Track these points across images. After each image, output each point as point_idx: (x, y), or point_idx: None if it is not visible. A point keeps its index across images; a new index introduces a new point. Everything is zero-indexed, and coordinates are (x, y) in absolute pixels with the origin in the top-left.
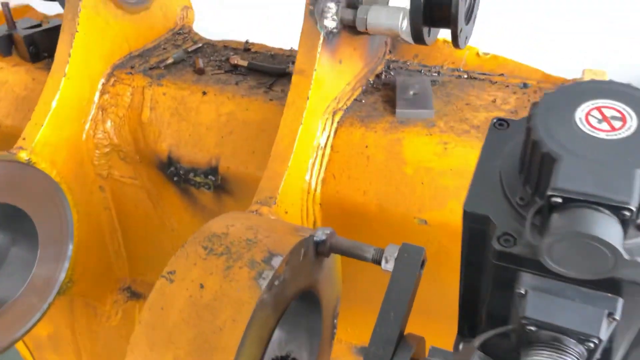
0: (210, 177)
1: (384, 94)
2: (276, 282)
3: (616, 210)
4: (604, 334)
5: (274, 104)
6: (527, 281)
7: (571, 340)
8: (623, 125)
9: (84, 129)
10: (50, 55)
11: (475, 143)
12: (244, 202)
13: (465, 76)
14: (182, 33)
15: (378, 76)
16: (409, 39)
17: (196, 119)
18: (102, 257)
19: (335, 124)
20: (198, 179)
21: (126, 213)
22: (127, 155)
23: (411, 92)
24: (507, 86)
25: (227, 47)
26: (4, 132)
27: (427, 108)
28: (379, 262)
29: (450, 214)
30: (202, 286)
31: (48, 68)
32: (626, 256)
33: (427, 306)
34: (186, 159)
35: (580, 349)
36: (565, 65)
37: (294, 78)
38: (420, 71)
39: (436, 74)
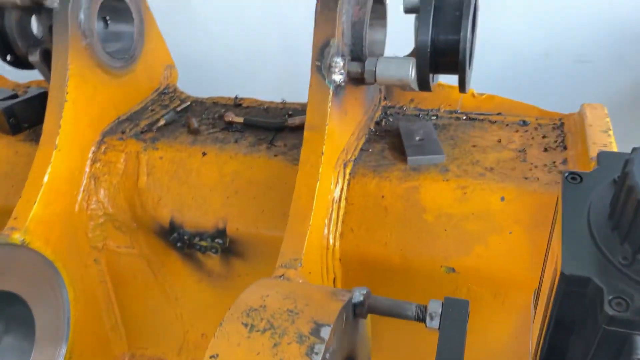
0: (217, 240)
1: (389, 142)
2: (327, 355)
3: None
4: None
5: (279, 159)
6: None
7: None
8: None
9: (77, 201)
10: (31, 126)
11: (493, 185)
12: (255, 264)
13: (464, 117)
14: (167, 92)
15: (378, 123)
16: (416, 87)
17: (198, 181)
18: (100, 334)
19: (347, 176)
20: (204, 243)
21: (124, 285)
22: (123, 224)
23: (417, 138)
24: (507, 125)
25: (217, 103)
26: None
27: (438, 153)
28: (422, 320)
29: (477, 259)
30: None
31: (31, 140)
32: None
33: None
34: (190, 223)
35: None
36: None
37: (306, 134)
38: (419, 115)
39: (435, 117)
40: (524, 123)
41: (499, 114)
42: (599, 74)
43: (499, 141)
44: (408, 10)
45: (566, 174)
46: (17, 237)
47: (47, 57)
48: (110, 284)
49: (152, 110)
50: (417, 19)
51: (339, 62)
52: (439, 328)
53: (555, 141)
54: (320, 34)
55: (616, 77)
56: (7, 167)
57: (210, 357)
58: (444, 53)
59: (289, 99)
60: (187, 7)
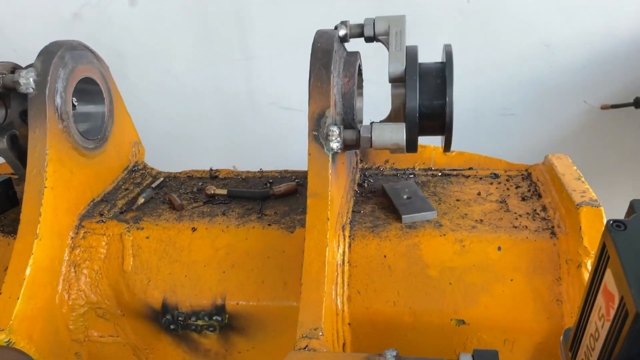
0: (215, 317)
1: (378, 202)
2: None
3: None
4: None
5: (274, 228)
6: None
7: None
8: None
9: (57, 292)
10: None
11: (487, 236)
12: (257, 338)
13: (440, 174)
14: (137, 169)
15: (360, 185)
16: (404, 150)
17: (190, 258)
18: None
19: (347, 239)
20: (200, 322)
21: None
22: (107, 311)
23: (405, 197)
24: (481, 178)
25: (192, 177)
26: None
27: (430, 210)
28: None
29: (485, 309)
30: None
31: None
32: None
33: None
34: (185, 302)
35: None
36: None
37: (309, 201)
38: (397, 175)
39: (412, 176)
40: (495, 175)
41: (470, 168)
42: (521, 125)
43: (479, 194)
44: (393, 80)
45: (611, 222)
46: (2, 338)
47: (15, 142)
48: None
49: (126, 189)
50: (394, 87)
51: (335, 130)
52: None
53: (529, 190)
54: (316, 105)
55: (536, 127)
56: None
57: None
58: (430, 117)
59: (239, 164)
60: (125, 82)
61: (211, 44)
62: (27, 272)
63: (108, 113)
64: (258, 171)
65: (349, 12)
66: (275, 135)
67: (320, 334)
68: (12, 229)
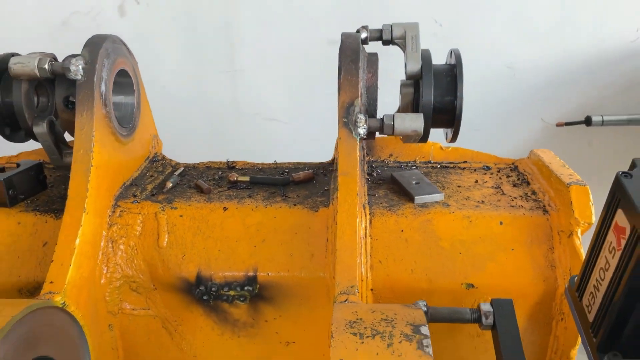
0: (247, 287)
1: (389, 187)
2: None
3: None
4: None
5: (299, 208)
6: None
7: None
8: None
9: (97, 265)
10: (27, 197)
11: (490, 213)
12: (284, 307)
13: (438, 166)
14: (157, 160)
15: (370, 174)
16: (419, 137)
17: (222, 234)
18: None
19: (368, 216)
20: (232, 293)
21: (135, 350)
22: (140, 285)
23: (414, 182)
24: (475, 170)
25: (210, 167)
26: None
27: (437, 192)
28: (478, 321)
29: (490, 276)
30: None
31: (32, 210)
32: None
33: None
34: (219, 274)
35: None
36: None
37: (340, 179)
38: (400, 167)
39: (414, 167)
40: (487, 168)
41: (464, 162)
42: (486, 140)
43: (476, 182)
44: (410, 77)
45: (620, 173)
46: (58, 299)
47: (52, 128)
48: (120, 350)
49: (151, 176)
50: (404, 87)
51: (362, 118)
52: (493, 325)
53: (518, 179)
54: (346, 96)
55: (499, 142)
56: (10, 239)
57: None
58: (441, 110)
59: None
60: None
61: (199, 55)
62: (77, 242)
63: (137, 104)
64: (272, 163)
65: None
66: (259, 145)
67: (356, 290)
68: (47, 209)
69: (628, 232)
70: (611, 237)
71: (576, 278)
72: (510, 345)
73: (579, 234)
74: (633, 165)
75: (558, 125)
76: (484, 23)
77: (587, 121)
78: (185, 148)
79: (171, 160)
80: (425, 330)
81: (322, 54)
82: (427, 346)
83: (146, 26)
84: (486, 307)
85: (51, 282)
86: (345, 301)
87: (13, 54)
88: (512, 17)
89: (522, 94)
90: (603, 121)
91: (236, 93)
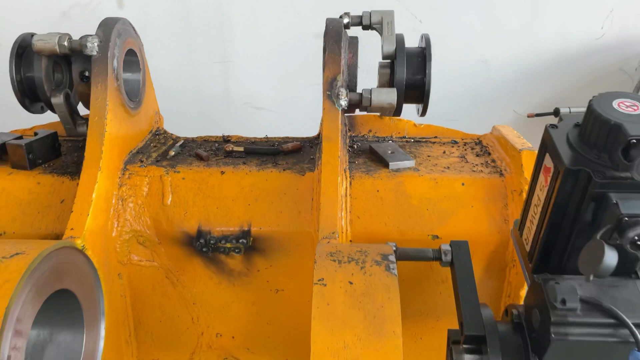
0: (241, 240)
1: (367, 157)
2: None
3: None
4: None
5: (288, 172)
6: (616, 196)
7: None
8: (637, 108)
9: (109, 219)
10: (44, 162)
11: (454, 176)
12: (274, 258)
13: (412, 140)
14: (159, 133)
15: (351, 147)
16: (393, 110)
17: (220, 194)
18: (116, 346)
19: (349, 178)
20: (229, 245)
21: (142, 297)
22: (147, 239)
23: (389, 152)
24: (444, 143)
25: (207, 140)
26: (11, 237)
27: (409, 159)
28: (439, 259)
29: (453, 227)
30: (351, 283)
31: (47, 172)
32: None
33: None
34: (217, 228)
35: None
36: None
37: (324, 144)
38: (378, 141)
39: (391, 141)
40: (455, 142)
41: (435, 137)
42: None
43: (444, 152)
44: (386, 57)
45: (549, 125)
46: (79, 242)
47: (67, 99)
48: (128, 297)
49: (155, 146)
50: (381, 67)
51: (343, 91)
52: (451, 262)
53: (481, 150)
54: (330, 71)
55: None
56: (30, 197)
57: (319, 280)
58: (413, 86)
59: None
60: None
61: (193, 47)
62: (93, 196)
63: (142, 81)
64: (264, 137)
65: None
66: (247, 132)
67: (337, 236)
68: (63, 171)
69: (552, 170)
70: (542, 177)
71: (518, 220)
72: (464, 277)
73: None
74: (560, 120)
75: (529, 116)
76: (460, 20)
77: (556, 112)
78: (178, 133)
79: (172, 134)
80: (392, 258)
81: (309, 47)
82: (393, 269)
83: (143, 18)
84: (446, 247)
85: (72, 229)
86: (327, 243)
87: (32, 34)
88: (486, 15)
89: (496, 87)
90: (570, 112)
91: (227, 83)
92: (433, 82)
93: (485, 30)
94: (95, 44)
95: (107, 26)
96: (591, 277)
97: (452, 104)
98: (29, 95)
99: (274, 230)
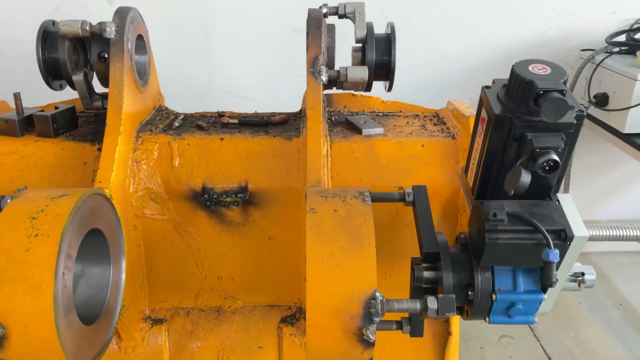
0: (240, 195)
1: (344, 127)
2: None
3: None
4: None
5: (277, 138)
6: (531, 135)
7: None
8: (546, 70)
9: (127, 177)
10: (66, 131)
11: (416, 140)
12: (267, 210)
13: (381, 114)
14: (162, 110)
15: (329, 119)
16: (365, 85)
17: (220, 157)
18: (132, 291)
19: (329, 142)
20: (229, 199)
21: (153, 246)
22: (158, 196)
23: (362, 122)
24: (407, 116)
25: (205, 115)
26: None
27: (379, 127)
28: (403, 199)
29: (415, 181)
30: (335, 210)
31: (70, 140)
32: (571, 103)
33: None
34: (219, 185)
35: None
36: None
37: (309, 112)
38: (352, 114)
39: (363, 115)
40: (417, 115)
41: (400, 111)
42: None
43: (407, 123)
44: (358, 41)
45: (484, 86)
46: (107, 192)
47: (86, 77)
48: (142, 247)
49: (159, 119)
50: (354, 51)
51: (324, 68)
52: (413, 202)
53: (438, 121)
54: (312, 52)
55: None
56: (56, 160)
57: (310, 209)
58: (381, 65)
59: None
60: None
61: (178, 39)
62: (115, 156)
63: (148, 63)
64: (254, 112)
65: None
66: None
67: (320, 184)
68: (83, 139)
69: (486, 119)
70: (479, 127)
71: (464, 167)
72: (423, 212)
73: None
74: (493, 82)
75: None
76: (423, 17)
77: None
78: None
79: (173, 110)
80: (367, 193)
81: (287, 40)
82: (367, 200)
83: None
84: (409, 190)
85: (100, 182)
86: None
87: (54, 21)
88: (445, 14)
89: (454, 77)
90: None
91: (211, 73)
92: (399, 73)
93: (445, 27)
94: (113, 29)
95: (122, 14)
96: (511, 192)
97: (415, 93)
98: (52, 73)
99: (267, 186)
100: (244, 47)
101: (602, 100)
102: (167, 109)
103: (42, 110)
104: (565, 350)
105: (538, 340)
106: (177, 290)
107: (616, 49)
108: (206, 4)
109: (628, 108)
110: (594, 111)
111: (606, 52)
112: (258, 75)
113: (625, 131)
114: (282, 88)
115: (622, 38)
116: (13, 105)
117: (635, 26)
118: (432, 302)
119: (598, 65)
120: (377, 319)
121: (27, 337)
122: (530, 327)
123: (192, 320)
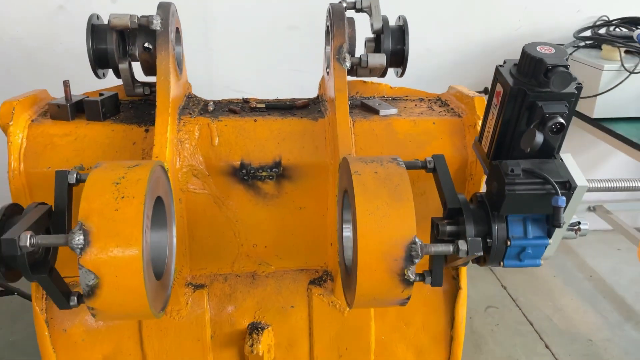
0: (274, 169)
1: (361, 109)
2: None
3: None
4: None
5: (304, 119)
6: (541, 103)
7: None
8: (551, 50)
9: (174, 154)
10: (112, 115)
11: (427, 118)
12: (299, 183)
13: (390, 99)
14: (192, 97)
15: None
16: (383, 69)
17: (255, 136)
18: (177, 259)
19: (352, 121)
20: (264, 173)
21: (195, 218)
22: (199, 172)
23: (378, 104)
24: (414, 100)
25: (232, 102)
26: None
27: (394, 109)
28: (425, 167)
29: (428, 153)
30: (376, 172)
31: (117, 123)
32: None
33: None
34: (256, 161)
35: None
36: None
37: (337, 94)
38: (366, 99)
39: (376, 99)
40: (422, 99)
41: (407, 96)
42: None
43: (415, 105)
44: (375, 32)
45: (498, 65)
46: (164, 164)
47: (130, 66)
48: (185, 218)
49: (193, 105)
50: (368, 42)
51: (347, 55)
52: (434, 168)
53: (442, 103)
54: (337, 41)
55: None
56: (107, 140)
57: (354, 172)
58: (395, 54)
59: None
60: None
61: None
62: (168, 134)
63: (182, 54)
64: (275, 99)
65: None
66: None
67: (352, 155)
68: (130, 121)
69: (501, 93)
70: (494, 100)
71: (477, 137)
72: (444, 176)
73: (479, 125)
74: (504, 62)
75: None
76: (409, 15)
77: (485, 91)
78: None
79: (201, 97)
80: (400, 159)
81: (283, 37)
82: (401, 164)
83: (133, 11)
84: (429, 159)
85: (156, 157)
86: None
87: (97, 15)
88: (428, 12)
89: (436, 70)
90: None
91: (210, 69)
92: (389, 73)
93: (428, 24)
94: (159, 21)
95: (165, 8)
96: (527, 150)
97: (404, 84)
98: (99, 62)
99: (298, 161)
100: (242, 44)
101: None
102: (195, 96)
103: (88, 97)
104: (544, 316)
105: (520, 309)
106: (215, 258)
107: (582, 44)
108: (205, 3)
109: (596, 95)
110: None
111: (574, 46)
112: (255, 71)
113: (594, 116)
114: (278, 82)
115: (587, 33)
116: (52, 94)
117: (598, 23)
118: (462, 245)
119: (567, 58)
120: (416, 260)
121: (118, 286)
122: (512, 298)
123: (230, 285)
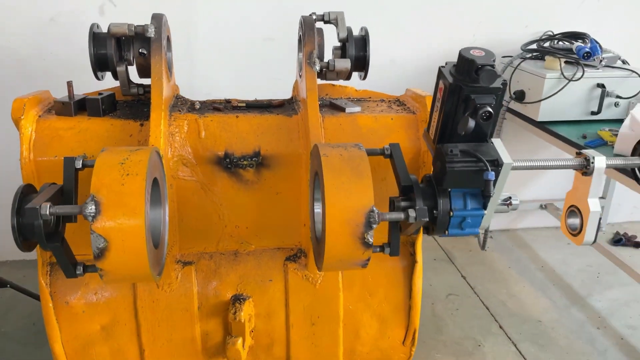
0: (254, 159)
1: (329, 107)
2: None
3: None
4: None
5: (280, 116)
6: (474, 95)
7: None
8: (482, 53)
9: (166, 145)
10: (110, 112)
11: (386, 115)
12: (276, 171)
13: (355, 99)
14: (179, 97)
15: None
16: (347, 74)
17: (237, 129)
18: (169, 237)
19: (323, 117)
20: (245, 162)
21: (184, 202)
22: (188, 161)
23: (344, 104)
24: (375, 101)
25: (215, 101)
26: None
27: (358, 107)
28: (383, 153)
29: (386, 143)
30: (341, 155)
31: (115, 118)
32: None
33: None
34: (238, 152)
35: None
36: None
37: (308, 93)
38: (334, 99)
39: (343, 100)
40: (383, 100)
41: (369, 97)
42: None
43: (377, 105)
44: (341, 40)
45: (440, 66)
46: (160, 152)
47: (126, 68)
48: (175, 202)
49: (181, 104)
50: (334, 50)
51: (317, 60)
52: (390, 155)
53: (400, 104)
54: (308, 47)
55: None
56: (107, 133)
57: (323, 154)
58: (358, 59)
59: None
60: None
61: None
62: (162, 127)
63: (172, 59)
64: (254, 99)
65: (268, 30)
66: None
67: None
68: (126, 117)
69: (443, 88)
70: (439, 95)
71: (426, 127)
72: (399, 161)
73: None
74: (445, 64)
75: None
76: (373, 27)
77: None
78: None
79: (188, 98)
80: (361, 145)
81: (260, 47)
82: (362, 148)
83: None
84: (387, 146)
85: (152, 145)
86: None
87: (97, 24)
88: (392, 25)
89: (400, 80)
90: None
91: (191, 77)
92: (354, 77)
93: (392, 36)
94: (153, 29)
95: (158, 18)
96: (462, 133)
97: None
98: (99, 66)
99: (275, 151)
100: (221, 53)
101: (520, 96)
102: (183, 97)
103: (88, 96)
104: (499, 302)
105: (478, 296)
106: (202, 238)
107: (529, 55)
108: (187, 14)
109: (540, 100)
110: (514, 105)
111: (521, 58)
112: (234, 78)
113: (539, 119)
114: (257, 90)
115: (534, 46)
116: (54, 95)
117: (544, 37)
118: (412, 212)
119: (516, 68)
120: (374, 225)
121: (124, 249)
122: (471, 286)
123: (215, 262)
